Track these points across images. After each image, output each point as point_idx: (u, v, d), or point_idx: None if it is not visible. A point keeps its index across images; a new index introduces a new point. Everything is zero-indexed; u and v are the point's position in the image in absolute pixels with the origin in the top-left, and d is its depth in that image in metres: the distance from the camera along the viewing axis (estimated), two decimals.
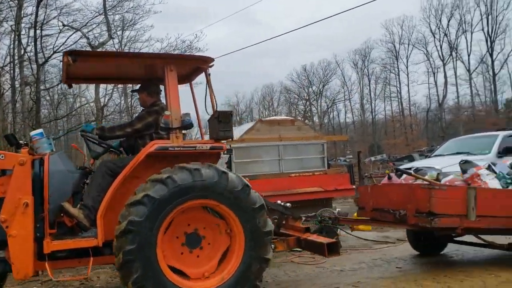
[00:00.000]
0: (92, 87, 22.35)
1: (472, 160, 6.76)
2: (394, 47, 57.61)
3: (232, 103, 71.21)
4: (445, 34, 53.18)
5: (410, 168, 7.45)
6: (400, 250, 7.06)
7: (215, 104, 4.71)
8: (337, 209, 9.81)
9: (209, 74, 4.76)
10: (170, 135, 4.42)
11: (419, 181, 6.10)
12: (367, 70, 61.05)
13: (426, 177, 6.31)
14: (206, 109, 4.75)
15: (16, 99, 22.56)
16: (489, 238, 6.16)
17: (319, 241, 4.95)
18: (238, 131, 11.04)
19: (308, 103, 64.32)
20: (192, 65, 4.92)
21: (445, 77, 53.73)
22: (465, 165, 6.36)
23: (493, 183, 5.88)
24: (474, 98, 54.33)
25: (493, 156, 10.61)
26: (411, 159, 24.78)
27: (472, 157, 10.79)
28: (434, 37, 54.14)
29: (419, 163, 11.95)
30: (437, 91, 55.70)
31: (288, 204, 5.45)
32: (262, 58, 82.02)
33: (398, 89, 59.29)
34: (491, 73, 52.27)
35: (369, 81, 61.41)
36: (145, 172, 4.28)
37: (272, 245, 4.67)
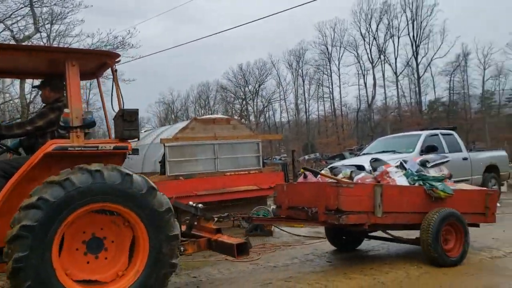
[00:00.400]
0: (17, 82, 21.15)
1: (392, 158, 7.06)
2: (327, 49, 59.31)
3: (167, 101, 70.07)
4: (374, 38, 55.51)
5: (328, 167, 7.44)
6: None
7: (121, 102, 4.48)
8: (271, 207, 9.99)
9: (116, 70, 4.54)
10: (70, 135, 4.12)
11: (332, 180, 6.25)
12: (301, 71, 62.37)
13: (340, 175, 6.50)
14: (112, 107, 4.53)
15: None
16: (401, 233, 6.40)
17: (229, 242, 4.87)
18: (172, 130, 10.90)
19: (244, 102, 64.74)
20: (96, 61, 4.68)
21: (374, 79, 56.09)
22: (375, 163, 6.59)
23: (401, 180, 6.14)
24: (401, 100, 57.14)
25: (416, 154, 11.18)
26: (342, 157, 25.61)
27: (397, 155, 11.41)
28: (364, 40, 56.35)
29: (348, 161, 12.39)
30: (366, 92, 57.97)
31: (200, 205, 5.31)
32: (199, 56, 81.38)
33: (331, 90, 61.13)
34: (416, 76, 55.25)
35: (303, 82, 62.75)
36: (43, 174, 3.96)
37: (181, 248, 4.56)
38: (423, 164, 6.62)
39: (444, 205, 5.94)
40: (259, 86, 64.01)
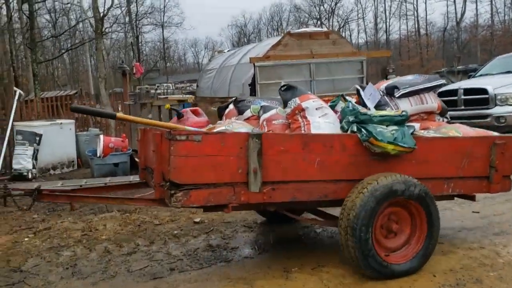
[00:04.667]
0: None
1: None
2: None
3: (239, 24, 68.41)
4: None
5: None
6: None
7: None
8: None
9: None
10: None
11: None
12: None
13: (248, 112, 4.23)
14: None
15: (11, 14, 20.84)
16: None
17: None
18: (261, 48, 9.54)
19: (319, 22, 61.56)
20: None
21: None
22: (286, 93, 3.91)
23: (321, 124, 3.64)
24: (494, 17, 51.48)
25: None
26: None
27: None
28: None
29: (465, 83, 10.48)
30: (455, 9, 52.74)
31: None
32: None
33: (415, 6, 56.21)
34: None
35: None
36: None
37: None
38: (390, 91, 4.08)
39: (400, 167, 3.54)
40: (335, 5, 60.24)
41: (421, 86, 4.08)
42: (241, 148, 3.19)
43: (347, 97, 4.19)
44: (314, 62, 8.70)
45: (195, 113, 4.28)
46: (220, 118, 4.53)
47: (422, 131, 3.90)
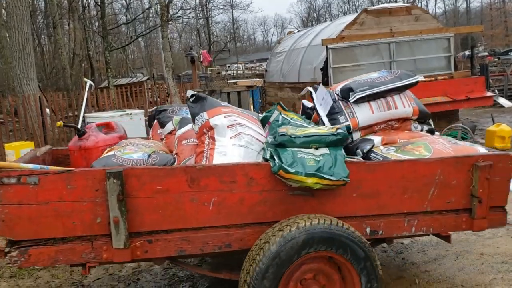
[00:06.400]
0: None
1: None
2: None
3: None
4: None
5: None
6: None
7: None
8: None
9: None
10: None
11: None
12: None
13: (170, 124, 3.45)
14: None
15: (87, 2, 21.43)
16: None
17: None
18: (334, 27, 8.85)
19: None
20: None
21: None
22: (194, 106, 2.94)
23: (228, 149, 2.77)
24: None
25: None
26: None
27: None
28: None
29: None
30: None
31: None
32: None
33: None
34: None
35: None
36: None
37: None
38: (345, 95, 3.17)
39: (334, 204, 2.70)
40: None
41: (387, 87, 3.14)
42: (97, 190, 2.47)
43: (304, 102, 3.55)
44: (395, 41, 7.92)
45: (108, 127, 3.41)
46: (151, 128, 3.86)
47: (382, 147, 3.02)
